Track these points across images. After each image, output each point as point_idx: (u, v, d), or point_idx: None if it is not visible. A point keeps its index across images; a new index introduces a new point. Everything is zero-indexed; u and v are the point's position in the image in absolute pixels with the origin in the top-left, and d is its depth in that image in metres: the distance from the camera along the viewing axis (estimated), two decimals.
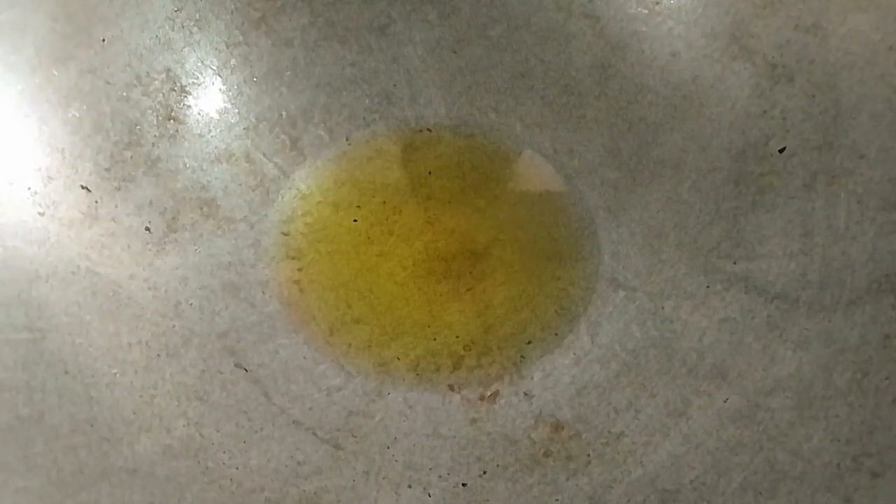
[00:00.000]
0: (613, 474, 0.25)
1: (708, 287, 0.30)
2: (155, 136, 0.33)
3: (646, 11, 0.35)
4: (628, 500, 0.25)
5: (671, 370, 0.28)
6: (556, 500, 0.25)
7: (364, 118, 0.36)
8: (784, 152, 0.31)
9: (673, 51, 0.35)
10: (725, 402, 0.26)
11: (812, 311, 0.27)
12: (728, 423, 0.26)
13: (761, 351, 0.27)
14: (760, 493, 0.23)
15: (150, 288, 0.30)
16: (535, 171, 0.35)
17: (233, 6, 0.35)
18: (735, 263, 0.30)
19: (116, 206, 0.31)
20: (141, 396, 0.27)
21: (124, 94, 0.33)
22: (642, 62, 0.35)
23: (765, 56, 0.33)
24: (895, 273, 0.27)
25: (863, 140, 0.30)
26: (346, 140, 0.36)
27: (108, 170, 0.32)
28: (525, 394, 0.28)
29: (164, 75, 0.34)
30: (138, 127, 0.33)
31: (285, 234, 0.33)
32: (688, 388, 0.27)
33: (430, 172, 0.35)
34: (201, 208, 0.33)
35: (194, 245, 0.32)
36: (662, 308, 0.30)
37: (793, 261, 0.29)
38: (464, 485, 0.25)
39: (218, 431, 0.26)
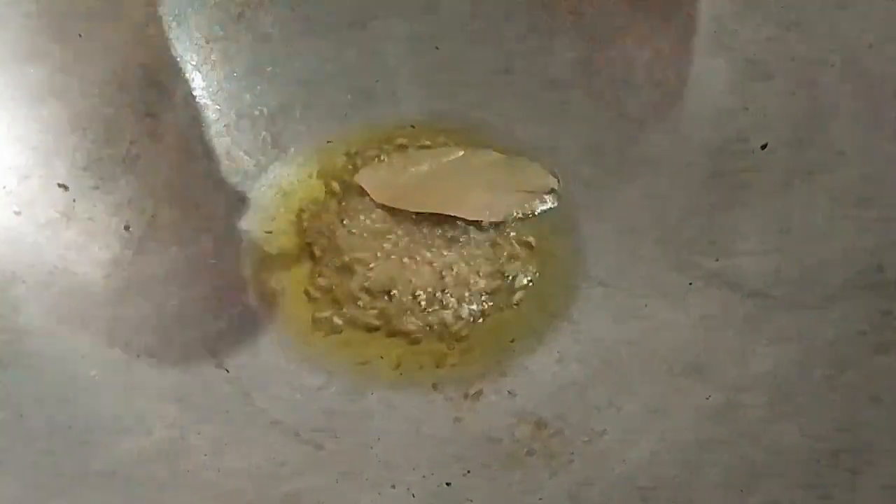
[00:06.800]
0: (594, 472, 0.26)
1: (688, 284, 0.30)
2: (133, 133, 0.32)
3: (628, 7, 0.35)
4: (609, 498, 0.25)
5: (650, 368, 0.28)
6: (539, 498, 0.25)
7: (345, 114, 0.36)
8: (763, 149, 0.31)
9: (655, 47, 0.35)
10: (706, 399, 0.26)
11: (788, 308, 0.28)
12: (706, 420, 0.26)
13: (738, 348, 0.27)
14: (739, 490, 0.24)
15: (129, 288, 0.30)
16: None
17: (212, 0, 0.35)
18: (715, 260, 0.30)
19: (94, 206, 0.31)
20: (120, 398, 0.26)
21: (101, 90, 0.32)
22: (624, 58, 0.35)
23: (745, 53, 0.33)
24: (870, 270, 0.27)
25: (840, 137, 0.30)
26: (327, 136, 0.35)
27: (85, 168, 0.31)
28: (508, 392, 0.29)
29: (142, 71, 0.33)
30: (116, 124, 0.32)
31: (267, 233, 0.33)
32: (667, 385, 0.27)
33: None
34: (181, 207, 0.32)
35: (175, 244, 0.31)
36: (645, 306, 0.30)
37: (770, 258, 0.29)
38: (447, 484, 0.25)
39: (198, 433, 0.26)
